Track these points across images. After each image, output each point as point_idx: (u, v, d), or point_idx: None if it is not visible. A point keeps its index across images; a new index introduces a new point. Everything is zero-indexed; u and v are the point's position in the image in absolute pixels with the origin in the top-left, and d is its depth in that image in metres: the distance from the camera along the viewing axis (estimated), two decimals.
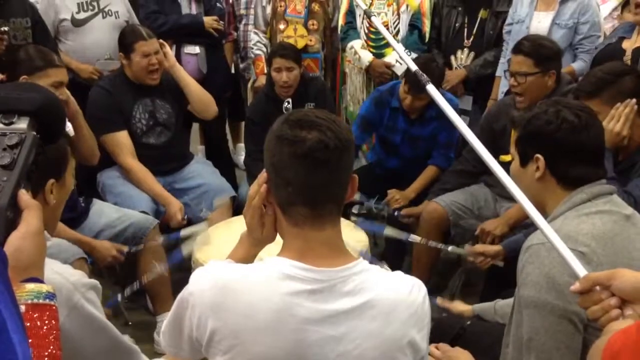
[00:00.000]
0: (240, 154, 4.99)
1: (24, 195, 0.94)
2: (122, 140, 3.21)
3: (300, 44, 4.09)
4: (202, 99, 3.39)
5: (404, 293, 1.25)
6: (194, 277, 1.25)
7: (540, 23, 3.75)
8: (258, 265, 1.26)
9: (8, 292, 0.68)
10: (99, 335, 1.33)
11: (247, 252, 1.37)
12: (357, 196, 3.14)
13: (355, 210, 3.99)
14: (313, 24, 4.17)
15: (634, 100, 2.17)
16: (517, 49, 2.87)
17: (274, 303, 1.18)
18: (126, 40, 3.26)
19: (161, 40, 3.33)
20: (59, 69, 2.74)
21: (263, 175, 1.29)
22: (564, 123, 1.61)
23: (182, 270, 3.27)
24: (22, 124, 1.00)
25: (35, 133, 1.00)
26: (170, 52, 3.38)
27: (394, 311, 1.22)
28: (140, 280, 2.58)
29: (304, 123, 1.21)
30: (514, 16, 3.83)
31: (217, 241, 2.58)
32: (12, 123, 1.00)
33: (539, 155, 1.64)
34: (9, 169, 0.93)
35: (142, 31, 3.25)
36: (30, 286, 0.89)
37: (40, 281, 0.91)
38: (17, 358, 0.64)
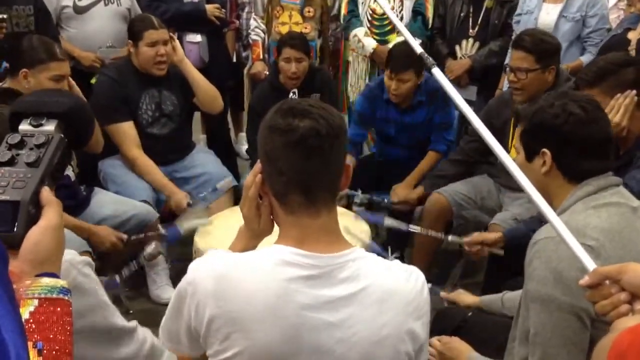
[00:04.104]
0: (242, 144, 4.98)
1: (46, 192, 0.95)
2: (127, 131, 3.19)
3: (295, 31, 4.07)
4: (209, 94, 3.37)
5: (401, 281, 1.26)
6: (192, 267, 1.26)
7: (549, 15, 3.73)
8: (256, 252, 1.27)
9: (5, 290, 0.67)
10: (95, 312, 1.33)
11: (245, 246, 1.37)
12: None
13: (357, 199, 3.99)
14: (309, 11, 4.15)
15: (634, 91, 2.15)
16: (518, 45, 2.83)
17: (271, 289, 1.18)
18: (136, 27, 3.24)
19: (171, 34, 3.31)
20: (61, 62, 2.72)
21: (258, 165, 1.30)
22: (571, 116, 1.59)
23: (183, 261, 3.28)
24: (50, 126, 1.04)
25: (62, 135, 1.03)
26: (179, 46, 3.34)
27: (390, 299, 1.23)
28: (138, 261, 2.56)
29: (296, 111, 1.22)
30: (523, 7, 3.82)
31: (218, 231, 2.57)
32: (40, 125, 1.04)
33: (545, 150, 1.62)
34: (34, 166, 0.96)
35: (153, 20, 3.23)
36: (46, 280, 0.89)
37: (57, 276, 0.91)
38: (8, 357, 0.62)
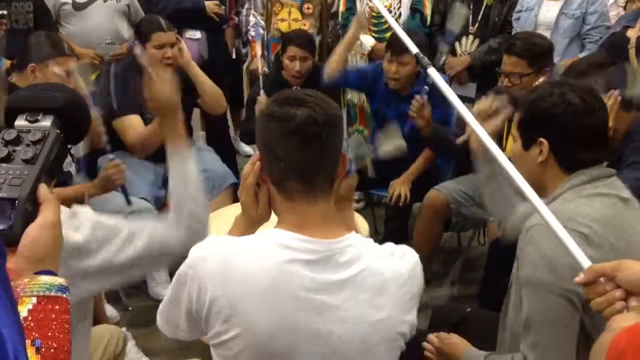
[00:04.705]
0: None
1: (43, 189, 0.95)
2: (133, 120, 3.13)
3: (293, 28, 4.06)
4: (213, 95, 3.36)
5: (396, 263, 1.28)
6: (192, 252, 1.27)
7: (549, 12, 3.73)
8: (255, 236, 1.29)
9: (3, 287, 0.67)
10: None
11: (243, 232, 1.37)
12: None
13: (355, 196, 4.00)
14: (308, 8, 4.15)
15: (618, 91, 2.15)
16: (510, 50, 2.80)
17: (271, 272, 1.20)
18: (144, 29, 3.21)
19: (177, 36, 3.29)
20: (68, 57, 2.71)
21: (256, 154, 1.32)
22: (570, 106, 1.58)
23: (181, 257, 3.28)
24: (46, 122, 1.04)
25: (58, 131, 1.03)
26: (186, 48, 3.31)
27: (387, 282, 1.25)
28: None
29: (293, 101, 1.25)
30: (523, 4, 3.81)
31: (218, 228, 2.57)
32: (37, 121, 1.04)
33: (542, 140, 1.61)
34: (31, 163, 0.96)
35: (161, 22, 3.19)
36: (45, 278, 0.89)
37: (55, 274, 0.91)
38: (6, 353, 0.63)
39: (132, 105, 3.17)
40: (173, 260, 1.50)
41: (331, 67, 3.36)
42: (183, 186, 1.54)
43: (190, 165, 1.57)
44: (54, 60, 2.66)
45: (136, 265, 1.44)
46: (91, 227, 1.37)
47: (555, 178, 1.63)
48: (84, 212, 1.40)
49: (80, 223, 1.37)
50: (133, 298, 3.20)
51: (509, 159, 1.37)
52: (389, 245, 1.32)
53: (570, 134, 1.60)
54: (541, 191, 1.48)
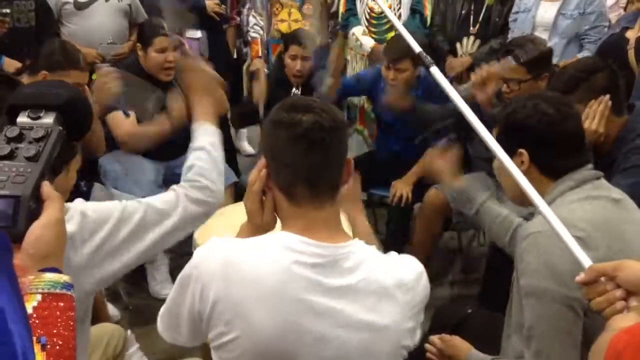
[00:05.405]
0: (242, 140, 4.98)
1: (47, 187, 0.95)
2: (125, 118, 3.13)
3: (294, 28, 4.06)
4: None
5: (400, 271, 1.29)
6: (197, 253, 1.28)
7: (547, 13, 3.73)
8: (262, 237, 1.30)
9: (10, 282, 0.67)
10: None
11: None
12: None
13: None
14: (308, 8, 4.15)
15: (608, 96, 2.16)
16: (508, 55, 2.75)
17: (276, 274, 1.21)
18: (146, 33, 3.24)
19: (181, 39, 3.30)
20: (81, 72, 2.71)
21: (262, 161, 1.33)
22: (544, 116, 1.63)
23: (182, 256, 3.29)
24: (49, 119, 1.04)
25: (61, 128, 1.02)
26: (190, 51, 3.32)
27: (390, 288, 1.26)
28: None
29: (299, 107, 1.28)
30: (520, 5, 3.81)
31: (219, 227, 2.57)
32: (39, 118, 1.03)
33: (522, 150, 1.65)
34: (34, 160, 0.95)
35: (164, 26, 3.20)
36: (49, 276, 0.89)
37: (59, 271, 0.92)
38: (15, 349, 0.63)
39: (130, 107, 3.17)
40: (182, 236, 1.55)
41: (327, 90, 3.29)
42: (206, 159, 1.61)
43: (216, 141, 1.66)
44: (67, 72, 2.65)
45: (140, 238, 1.48)
46: (80, 217, 1.38)
47: (538, 185, 1.64)
48: (75, 204, 1.43)
49: (71, 216, 1.38)
50: (133, 297, 3.21)
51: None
52: (393, 254, 1.34)
53: (547, 143, 1.64)
54: (527, 200, 1.50)
